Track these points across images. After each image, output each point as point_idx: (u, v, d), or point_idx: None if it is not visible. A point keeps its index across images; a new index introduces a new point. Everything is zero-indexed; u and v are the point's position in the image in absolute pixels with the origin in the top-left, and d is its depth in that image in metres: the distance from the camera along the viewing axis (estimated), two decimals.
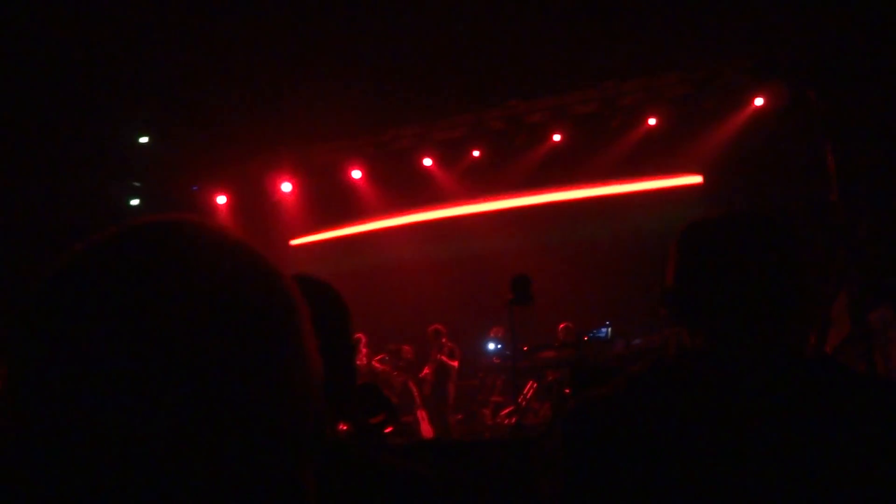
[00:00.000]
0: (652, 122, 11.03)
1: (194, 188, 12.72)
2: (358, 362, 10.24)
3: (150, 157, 10.65)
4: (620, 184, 11.65)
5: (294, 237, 12.86)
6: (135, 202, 11.32)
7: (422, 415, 9.76)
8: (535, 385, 9.81)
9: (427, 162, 12.11)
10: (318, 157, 12.14)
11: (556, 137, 11.48)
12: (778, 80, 10.05)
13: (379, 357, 10.37)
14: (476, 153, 11.88)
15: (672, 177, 11.34)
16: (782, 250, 1.21)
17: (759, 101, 10.50)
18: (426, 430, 9.55)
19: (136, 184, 11.26)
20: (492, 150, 11.86)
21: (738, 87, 10.48)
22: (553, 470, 1.24)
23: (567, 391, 6.20)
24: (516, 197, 12.32)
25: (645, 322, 9.38)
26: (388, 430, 7.86)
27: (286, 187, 12.71)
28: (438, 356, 9.82)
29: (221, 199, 12.85)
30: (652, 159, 11.30)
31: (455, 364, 9.84)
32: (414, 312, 12.16)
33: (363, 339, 10.53)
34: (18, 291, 0.55)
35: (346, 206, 12.76)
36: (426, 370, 10.10)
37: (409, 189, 12.43)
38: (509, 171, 12.18)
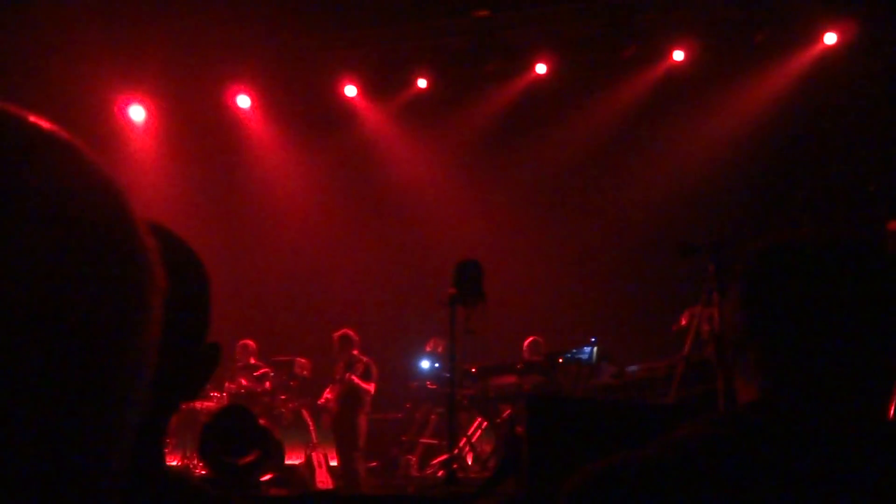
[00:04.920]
0: (678, 55, 11.27)
1: None
2: (236, 381, 10.30)
3: None
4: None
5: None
6: None
7: (318, 458, 9.83)
8: (484, 423, 9.99)
9: (349, 90, 12.11)
10: (182, 73, 11.98)
11: (541, 68, 11.62)
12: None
13: (259, 372, 10.40)
14: (422, 82, 11.94)
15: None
16: (887, 292, 1.35)
17: (830, 39, 10.85)
18: (323, 478, 9.64)
19: None
20: (445, 79, 11.92)
21: (803, 15, 10.80)
22: None
23: (519, 431, 6.34)
24: (478, 150, 12.43)
25: (646, 342, 9.67)
26: (264, 476, 7.95)
27: (136, 114, 12.55)
28: (347, 375, 9.89)
29: None
30: (675, 109, 11.56)
31: (371, 388, 9.93)
32: (315, 310, 12.20)
33: (251, 347, 10.58)
34: None
35: (221, 149, 12.68)
36: (328, 394, 10.17)
37: (320, 128, 12.42)
38: (469, 113, 12.27)
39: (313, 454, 9.87)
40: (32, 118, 0.58)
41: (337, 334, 10.06)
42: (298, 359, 10.56)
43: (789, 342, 1.34)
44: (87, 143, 0.60)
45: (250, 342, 10.57)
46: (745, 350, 1.37)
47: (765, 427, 1.30)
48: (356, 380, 9.77)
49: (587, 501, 1.30)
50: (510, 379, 9.51)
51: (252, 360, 10.50)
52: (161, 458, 1.17)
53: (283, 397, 10.42)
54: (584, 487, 1.31)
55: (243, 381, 10.27)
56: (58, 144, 0.58)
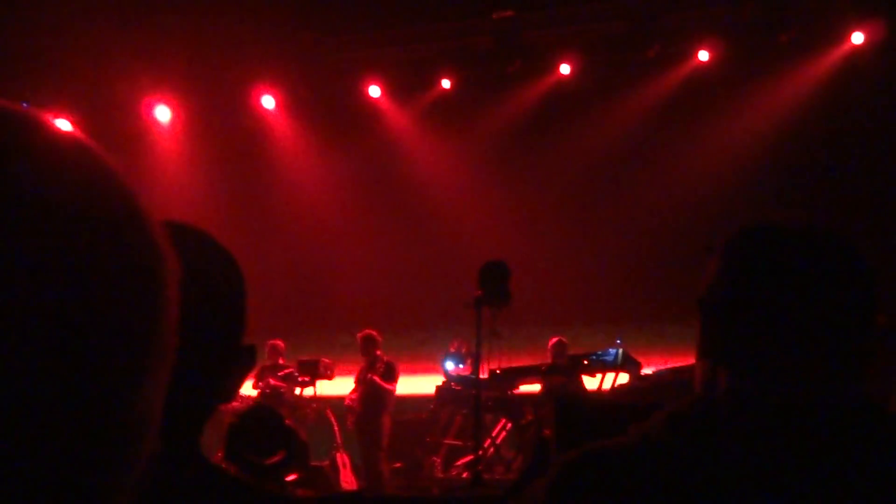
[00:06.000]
0: (704, 55, 11.23)
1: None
2: (264, 381, 10.34)
3: None
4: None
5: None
6: None
7: (342, 458, 9.85)
8: (508, 425, 9.98)
9: (373, 91, 12.12)
10: (208, 73, 12.03)
11: (565, 69, 11.60)
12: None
13: (283, 372, 10.44)
14: (446, 83, 11.93)
15: None
16: (865, 282, 1.31)
17: (857, 38, 10.78)
18: (347, 479, 9.65)
19: None
20: (469, 80, 11.91)
21: (829, 15, 10.75)
22: None
23: (546, 433, 6.33)
24: (501, 151, 12.41)
25: (673, 343, 9.64)
26: (290, 476, 7.96)
27: (162, 114, 12.60)
28: (370, 375, 9.91)
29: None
30: (700, 109, 11.51)
31: (393, 388, 9.94)
32: (339, 310, 12.21)
33: (280, 348, 10.64)
34: None
35: (246, 149, 12.72)
36: (352, 394, 10.19)
37: (345, 129, 12.44)
38: (494, 114, 12.26)
39: (338, 455, 9.89)
40: (30, 113, 0.56)
41: (361, 335, 10.07)
42: (323, 359, 10.59)
43: (765, 327, 1.30)
44: (104, 142, 0.59)
45: (280, 343, 10.64)
46: (722, 329, 1.36)
47: (735, 418, 1.28)
48: (377, 380, 9.77)
49: (564, 483, 1.32)
50: (534, 380, 9.50)
51: (281, 361, 10.56)
52: (199, 460, 1.18)
53: (306, 398, 10.46)
54: (560, 478, 1.33)
55: (271, 381, 10.31)
56: (63, 141, 0.57)
